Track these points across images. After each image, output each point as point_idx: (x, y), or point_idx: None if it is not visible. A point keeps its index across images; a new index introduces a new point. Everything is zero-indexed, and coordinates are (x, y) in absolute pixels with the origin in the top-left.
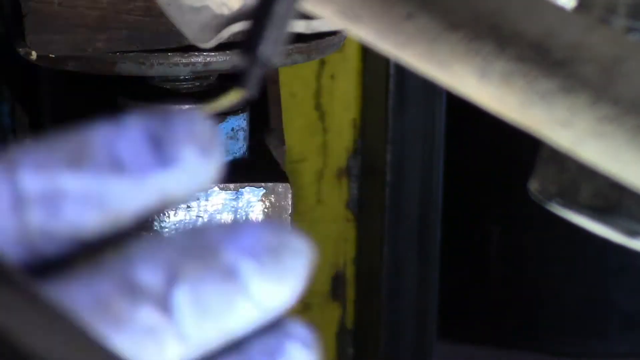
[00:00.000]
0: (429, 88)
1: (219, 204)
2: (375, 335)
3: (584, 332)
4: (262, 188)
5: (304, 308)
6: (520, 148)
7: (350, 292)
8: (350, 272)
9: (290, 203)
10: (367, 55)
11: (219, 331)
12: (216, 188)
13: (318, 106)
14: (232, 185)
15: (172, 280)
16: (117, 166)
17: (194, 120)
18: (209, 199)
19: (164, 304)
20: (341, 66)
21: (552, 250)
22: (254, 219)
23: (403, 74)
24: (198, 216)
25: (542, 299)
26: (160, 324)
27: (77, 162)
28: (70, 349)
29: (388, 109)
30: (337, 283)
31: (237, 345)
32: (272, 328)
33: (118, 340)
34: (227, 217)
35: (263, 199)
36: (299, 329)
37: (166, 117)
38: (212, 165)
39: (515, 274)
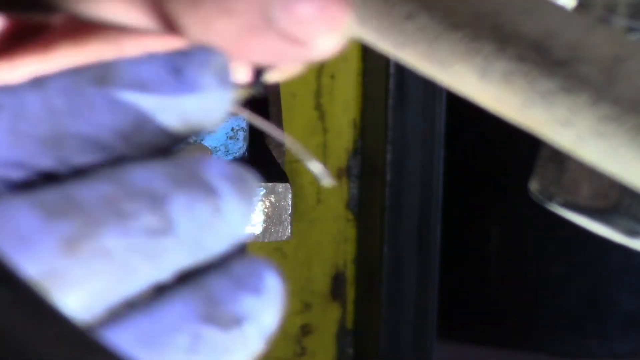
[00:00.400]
0: (429, 88)
1: None
2: (375, 335)
3: (584, 332)
4: (262, 188)
5: (304, 308)
6: (521, 148)
7: (350, 292)
8: (350, 272)
9: (290, 203)
10: (367, 55)
11: (208, 244)
12: None
13: (318, 106)
14: None
15: (169, 188)
16: (140, 85)
17: (212, 52)
18: None
19: (164, 210)
20: (341, 66)
21: (552, 250)
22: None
23: (403, 74)
24: None
25: (542, 298)
26: (161, 228)
27: (103, 79)
28: (71, 350)
29: (388, 109)
30: (337, 283)
31: (220, 264)
32: (244, 256)
33: (123, 242)
34: None
35: (263, 198)
36: (267, 261)
37: (186, 50)
38: (228, 94)
39: (515, 274)
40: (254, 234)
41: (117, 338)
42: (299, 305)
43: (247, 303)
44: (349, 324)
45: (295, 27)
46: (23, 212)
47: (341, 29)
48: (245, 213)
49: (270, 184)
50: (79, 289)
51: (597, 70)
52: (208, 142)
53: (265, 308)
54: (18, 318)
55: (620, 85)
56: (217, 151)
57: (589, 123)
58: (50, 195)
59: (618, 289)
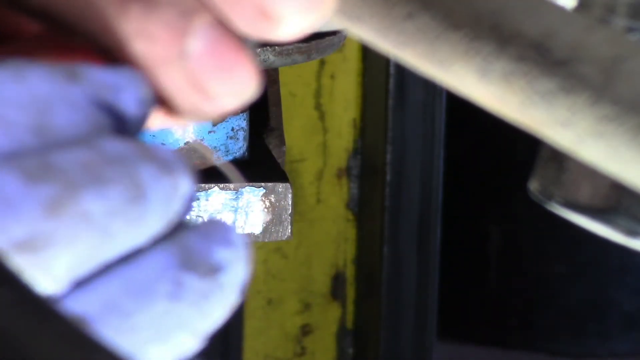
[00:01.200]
0: (429, 88)
1: (219, 204)
2: (375, 335)
3: (584, 332)
4: (262, 188)
5: (304, 308)
6: (520, 148)
7: (350, 292)
8: (350, 272)
9: (290, 203)
10: (367, 55)
11: (171, 216)
12: (216, 188)
13: (318, 106)
14: (232, 185)
15: (137, 159)
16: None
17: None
18: (209, 199)
19: (137, 177)
20: (341, 66)
21: (552, 250)
22: (254, 219)
23: (403, 74)
24: (198, 216)
25: (542, 298)
26: (135, 194)
27: (74, 75)
28: (71, 350)
29: (388, 109)
30: (337, 283)
31: (185, 226)
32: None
33: (103, 206)
34: (227, 217)
35: (263, 198)
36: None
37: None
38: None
39: (515, 274)
40: (254, 234)
41: (103, 291)
42: (299, 305)
43: (221, 254)
44: (349, 324)
45: (204, 76)
46: (3, 176)
47: (247, 93)
48: (193, 194)
49: (270, 184)
50: (65, 251)
51: (597, 70)
52: (208, 142)
53: (237, 258)
54: (18, 318)
55: (620, 85)
56: (217, 151)
57: (588, 123)
58: (28, 160)
59: (618, 289)
